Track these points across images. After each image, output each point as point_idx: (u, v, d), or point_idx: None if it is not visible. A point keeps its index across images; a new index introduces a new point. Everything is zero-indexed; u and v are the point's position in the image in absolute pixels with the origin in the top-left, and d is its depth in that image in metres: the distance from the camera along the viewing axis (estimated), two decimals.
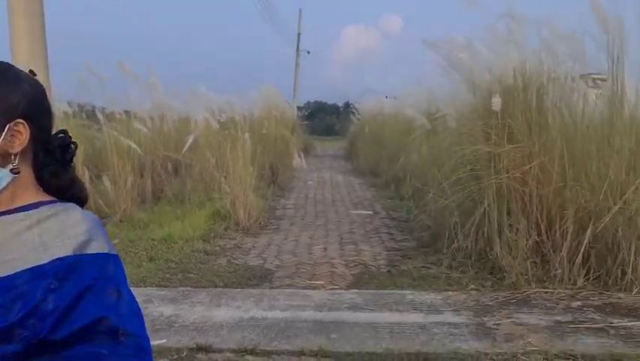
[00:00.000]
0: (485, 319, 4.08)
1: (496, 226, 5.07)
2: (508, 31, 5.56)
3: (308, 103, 47.18)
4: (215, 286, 4.87)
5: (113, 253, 0.96)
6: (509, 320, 4.06)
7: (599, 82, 5.35)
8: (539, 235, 4.96)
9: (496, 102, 4.82)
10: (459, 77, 6.11)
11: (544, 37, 5.37)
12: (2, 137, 0.92)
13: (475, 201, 5.35)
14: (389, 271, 5.36)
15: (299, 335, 3.77)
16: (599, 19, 4.98)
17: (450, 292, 4.67)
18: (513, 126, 5.06)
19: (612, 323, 3.99)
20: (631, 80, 5.13)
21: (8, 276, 0.87)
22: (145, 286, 4.82)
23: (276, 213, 8.61)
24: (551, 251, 4.85)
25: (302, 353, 3.48)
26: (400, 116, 14.25)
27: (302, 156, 12.34)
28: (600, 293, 4.57)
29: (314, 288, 4.86)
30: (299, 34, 30.95)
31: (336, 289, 4.84)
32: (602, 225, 4.69)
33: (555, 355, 3.44)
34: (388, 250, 6.18)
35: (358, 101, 22.74)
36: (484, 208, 5.16)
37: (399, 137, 13.33)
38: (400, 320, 4.05)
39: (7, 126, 0.92)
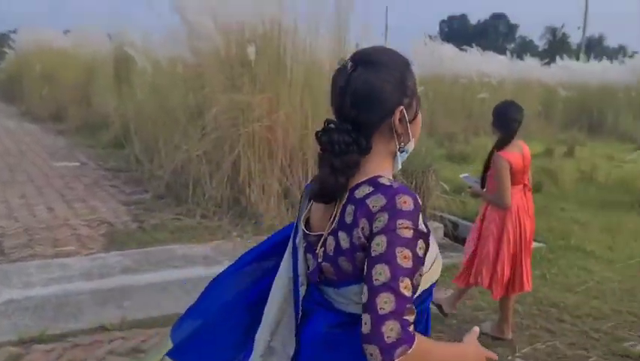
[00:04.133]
0: None
1: (248, 173, 5.24)
2: None
3: None
4: None
5: None
6: None
7: None
8: (287, 179, 5.35)
9: (252, 52, 4.87)
10: (188, 21, 5.91)
11: None
12: None
13: (224, 150, 5.39)
14: (140, 227, 5.02)
15: (85, 310, 3.31)
16: None
17: (216, 242, 4.68)
18: (262, 76, 5.22)
19: None
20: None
21: None
22: None
23: None
24: (299, 194, 5.30)
25: (104, 328, 3.08)
26: (80, 54, 12.95)
27: None
28: None
29: (67, 255, 4.24)
30: None
31: (93, 253, 4.32)
32: None
33: None
34: (125, 205, 5.74)
35: (10, 31, 19.53)
36: (235, 156, 5.26)
37: (82, 77, 12.18)
38: (185, 276, 3.90)
39: None
